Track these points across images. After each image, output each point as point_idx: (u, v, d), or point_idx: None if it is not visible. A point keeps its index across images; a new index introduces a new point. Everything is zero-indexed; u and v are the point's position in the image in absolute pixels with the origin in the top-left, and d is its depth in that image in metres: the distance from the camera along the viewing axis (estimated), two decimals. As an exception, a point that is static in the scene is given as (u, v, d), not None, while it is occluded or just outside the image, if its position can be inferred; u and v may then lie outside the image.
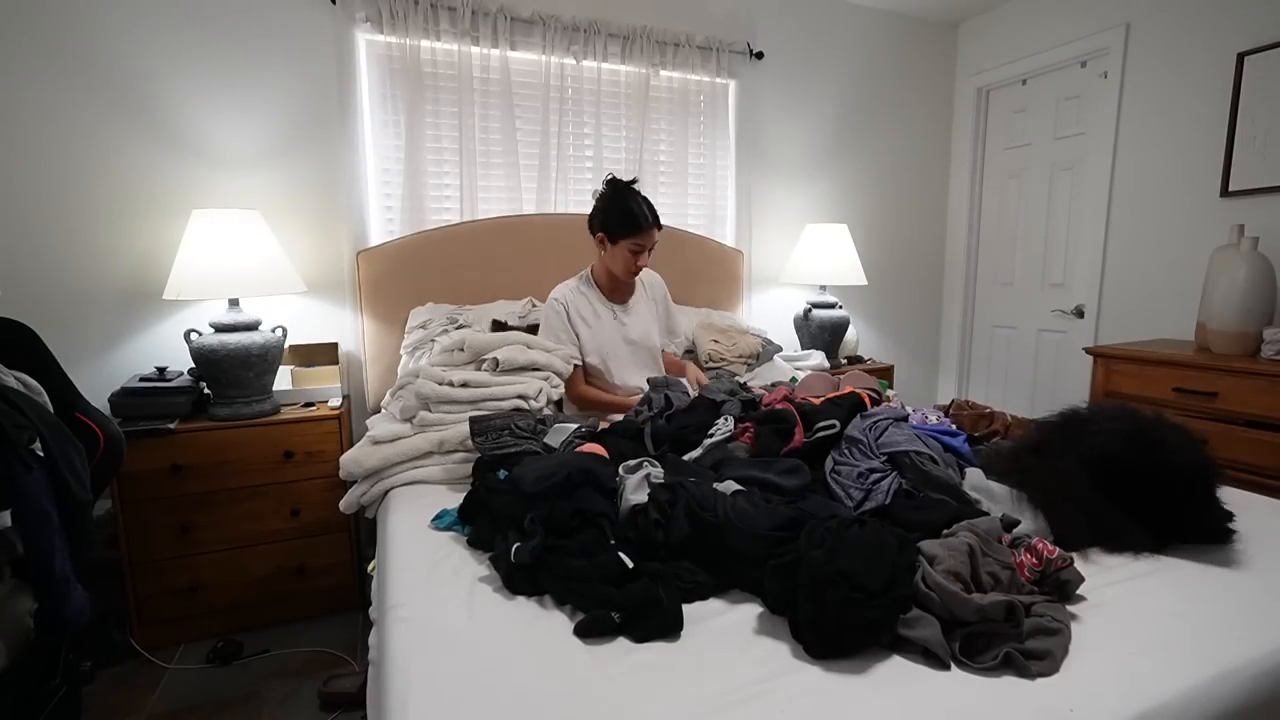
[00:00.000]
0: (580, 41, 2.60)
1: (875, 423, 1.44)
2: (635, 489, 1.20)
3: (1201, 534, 1.22)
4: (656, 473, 1.27)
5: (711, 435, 1.49)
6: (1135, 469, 1.22)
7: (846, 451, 1.40)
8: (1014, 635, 0.88)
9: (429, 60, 2.43)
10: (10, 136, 2.01)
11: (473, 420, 1.57)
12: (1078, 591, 1.02)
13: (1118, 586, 1.06)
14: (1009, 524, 1.15)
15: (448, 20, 2.40)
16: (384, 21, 2.32)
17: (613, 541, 1.10)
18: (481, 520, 1.25)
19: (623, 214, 1.89)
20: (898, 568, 0.91)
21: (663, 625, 0.94)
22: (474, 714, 0.79)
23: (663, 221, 1.97)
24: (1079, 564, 1.06)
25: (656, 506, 1.14)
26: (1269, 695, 0.88)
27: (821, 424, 1.46)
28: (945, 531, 1.07)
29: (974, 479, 1.31)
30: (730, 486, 1.21)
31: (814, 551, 0.94)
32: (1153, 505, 1.20)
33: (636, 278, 2.10)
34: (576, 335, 2.01)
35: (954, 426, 1.61)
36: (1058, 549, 1.02)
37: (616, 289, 2.09)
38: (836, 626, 0.87)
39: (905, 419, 1.49)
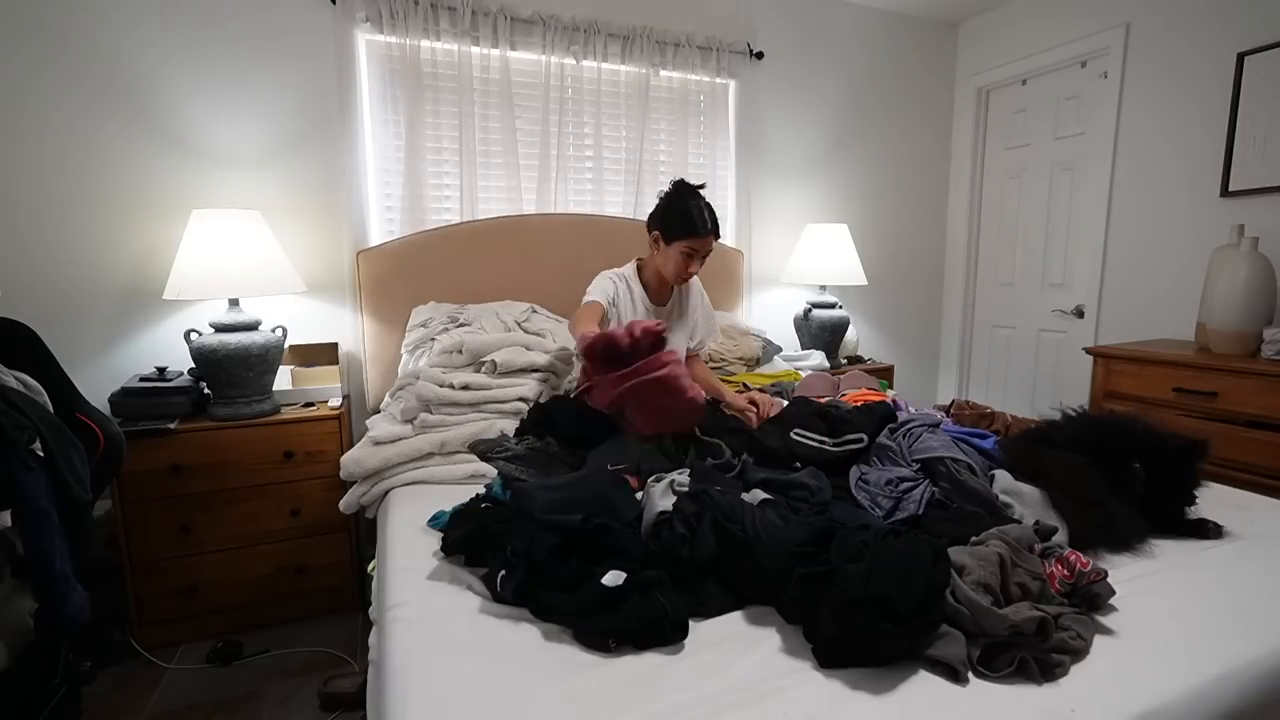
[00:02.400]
0: (580, 41, 2.60)
1: (909, 429, 1.41)
2: (661, 496, 1.17)
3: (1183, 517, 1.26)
4: (681, 479, 1.24)
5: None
6: (1124, 441, 1.27)
7: (875, 460, 1.37)
8: (1038, 648, 0.86)
9: (429, 60, 2.43)
10: (11, 137, 2.00)
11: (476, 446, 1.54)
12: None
13: (1119, 587, 1.06)
14: (1045, 532, 1.11)
15: (448, 20, 2.40)
16: (384, 21, 2.32)
17: (605, 563, 1.02)
18: (472, 529, 1.18)
19: (681, 214, 1.85)
20: (931, 587, 0.88)
21: (664, 637, 0.92)
22: (473, 714, 0.79)
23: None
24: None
25: (682, 519, 1.09)
26: (1270, 696, 0.88)
27: (850, 436, 1.42)
28: (974, 539, 1.04)
29: (1003, 481, 1.30)
30: (758, 496, 1.17)
31: (849, 565, 0.90)
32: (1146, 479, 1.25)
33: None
34: (616, 316, 1.96)
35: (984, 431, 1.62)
36: (1091, 561, 0.99)
37: (661, 289, 2.04)
38: (860, 652, 0.85)
39: (938, 425, 1.48)
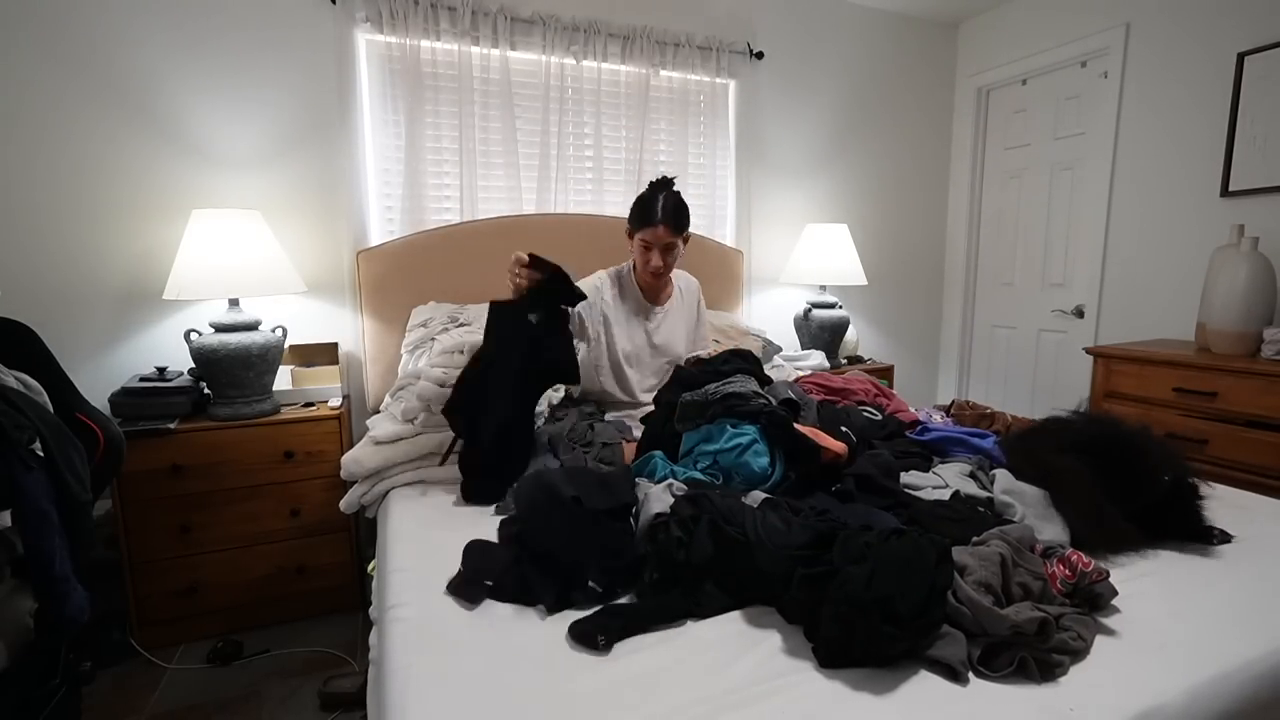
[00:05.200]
0: (580, 41, 2.60)
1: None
2: (658, 498, 1.16)
3: (1180, 519, 1.26)
4: (680, 482, 1.23)
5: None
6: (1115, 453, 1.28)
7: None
8: (1039, 648, 0.86)
9: (429, 60, 2.43)
10: (10, 136, 2.00)
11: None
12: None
13: (1118, 587, 1.06)
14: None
15: (448, 20, 2.40)
16: (384, 21, 2.32)
17: (590, 583, 1.04)
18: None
19: (639, 205, 1.85)
20: (934, 588, 0.88)
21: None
22: (474, 714, 0.79)
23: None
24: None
25: (679, 523, 1.08)
26: (1268, 696, 0.88)
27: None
28: (975, 539, 1.04)
29: (1003, 481, 1.30)
30: (758, 498, 1.15)
31: (851, 567, 0.90)
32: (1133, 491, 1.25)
33: (673, 281, 2.06)
34: (596, 324, 1.92)
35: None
36: (1093, 561, 0.99)
37: (652, 289, 2.01)
38: (860, 654, 0.85)
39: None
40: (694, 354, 2.06)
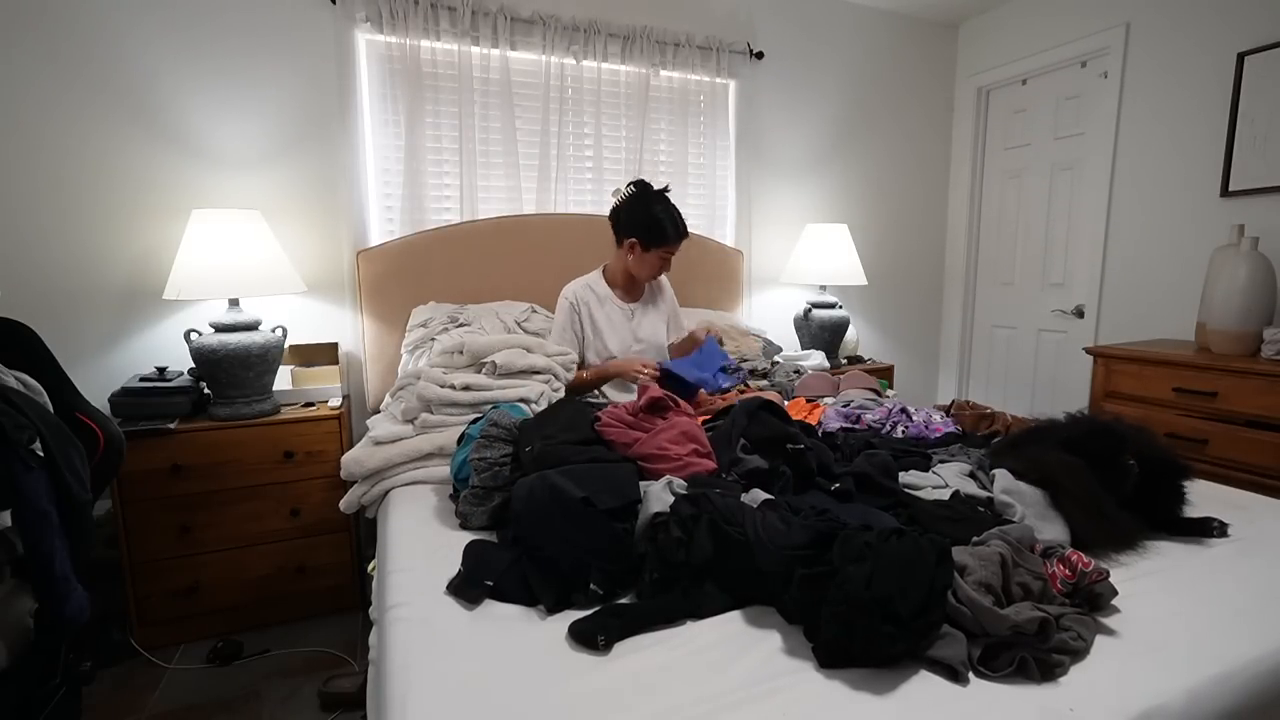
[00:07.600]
0: (580, 41, 2.60)
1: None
2: (657, 497, 1.16)
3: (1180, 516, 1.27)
4: (679, 481, 1.23)
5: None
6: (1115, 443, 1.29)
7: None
8: (1039, 648, 0.86)
9: (429, 60, 2.43)
10: (10, 136, 2.00)
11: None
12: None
13: (1118, 587, 1.06)
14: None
15: (448, 20, 2.40)
16: (384, 21, 2.32)
17: (592, 586, 1.04)
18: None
19: (656, 224, 1.96)
20: (934, 588, 0.87)
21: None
22: (473, 714, 0.79)
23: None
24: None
25: (679, 522, 1.07)
26: (1269, 696, 0.88)
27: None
28: (975, 539, 1.04)
29: (1003, 481, 1.29)
30: (758, 497, 1.15)
31: (851, 567, 0.89)
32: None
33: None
34: (582, 333, 2.07)
35: (959, 429, 1.63)
36: (1093, 561, 0.99)
37: (631, 289, 2.15)
38: (860, 655, 0.85)
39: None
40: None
